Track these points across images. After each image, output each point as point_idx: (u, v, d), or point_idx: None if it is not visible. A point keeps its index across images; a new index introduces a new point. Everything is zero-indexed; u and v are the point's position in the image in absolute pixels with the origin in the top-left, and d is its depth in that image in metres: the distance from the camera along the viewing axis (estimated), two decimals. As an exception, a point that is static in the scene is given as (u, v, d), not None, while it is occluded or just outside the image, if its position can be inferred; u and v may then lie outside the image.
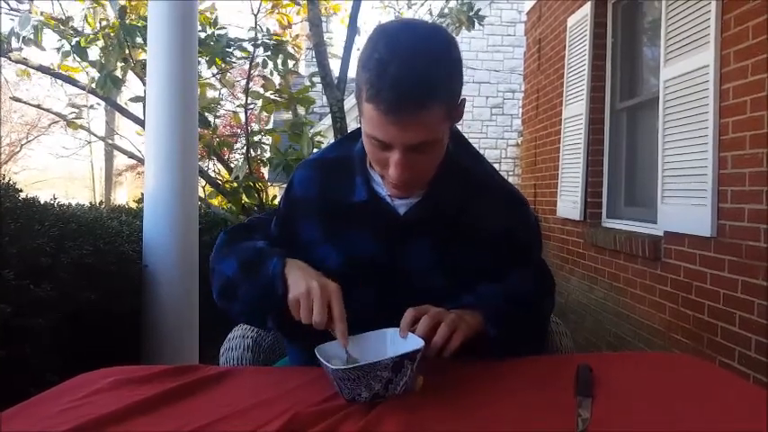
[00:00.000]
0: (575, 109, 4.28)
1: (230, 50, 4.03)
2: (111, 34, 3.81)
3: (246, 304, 1.10)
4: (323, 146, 4.14)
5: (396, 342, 0.98)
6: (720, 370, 1.15)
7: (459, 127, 1.21)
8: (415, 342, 0.94)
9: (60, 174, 18.87)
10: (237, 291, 1.10)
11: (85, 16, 4.06)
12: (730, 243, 2.51)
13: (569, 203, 4.33)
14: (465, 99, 1.06)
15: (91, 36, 3.91)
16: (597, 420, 0.82)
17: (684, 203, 2.83)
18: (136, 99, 4.05)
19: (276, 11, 4.59)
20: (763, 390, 0.93)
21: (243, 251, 1.13)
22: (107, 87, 3.92)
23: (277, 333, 1.28)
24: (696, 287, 2.76)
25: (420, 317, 0.99)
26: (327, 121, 6.26)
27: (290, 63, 4.15)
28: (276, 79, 4.28)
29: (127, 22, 3.75)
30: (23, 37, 3.88)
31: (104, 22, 4.01)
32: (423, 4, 5.47)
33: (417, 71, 0.94)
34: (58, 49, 3.89)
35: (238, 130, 4.88)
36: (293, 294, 1.00)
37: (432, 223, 1.11)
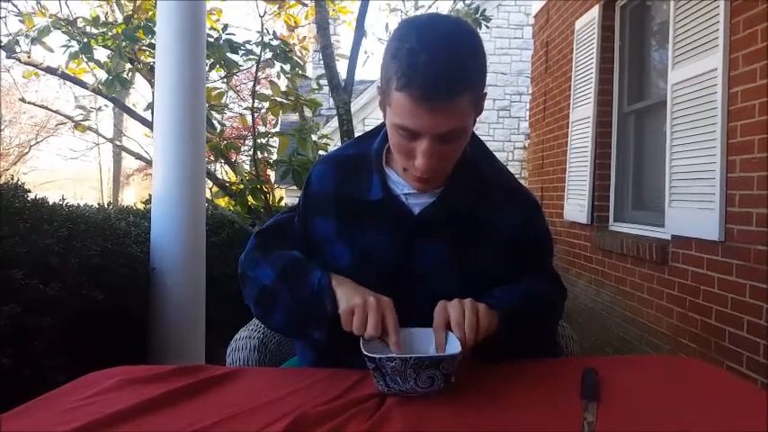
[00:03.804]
0: (582, 112, 4.27)
1: (237, 57, 4.04)
2: (119, 34, 3.83)
3: (290, 316, 1.09)
4: (330, 149, 4.15)
5: (427, 340, 1.00)
6: (726, 374, 1.15)
7: None
8: (452, 341, 0.96)
9: (68, 175, 18.97)
10: (277, 301, 1.10)
11: (92, 17, 4.07)
12: (738, 247, 2.50)
13: (576, 207, 4.31)
14: (486, 93, 1.07)
15: (99, 36, 3.92)
16: (603, 424, 0.82)
17: (692, 207, 2.82)
18: (149, 107, 4.07)
19: (283, 12, 4.61)
20: (770, 394, 0.92)
21: (279, 260, 1.13)
22: (113, 87, 3.93)
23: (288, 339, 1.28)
24: (704, 291, 2.75)
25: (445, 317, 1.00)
26: (334, 123, 6.27)
27: (297, 69, 4.16)
28: (283, 82, 4.29)
29: (134, 24, 3.77)
30: (32, 38, 3.91)
31: (112, 25, 4.03)
32: (430, 7, 5.47)
33: (450, 59, 0.96)
34: (66, 48, 3.90)
35: (245, 133, 4.89)
36: (348, 305, 0.99)
37: (446, 223, 1.11)
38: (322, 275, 1.05)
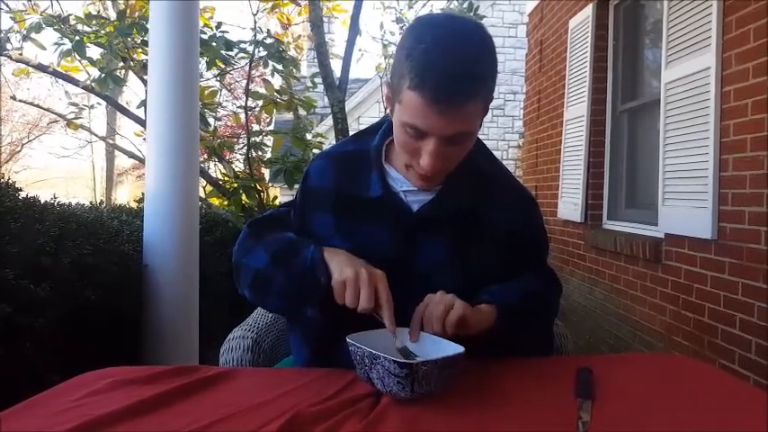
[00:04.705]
0: (576, 111, 4.28)
1: (231, 54, 4.02)
2: (111, 32, 3.81)
3: (284, 296, 1.09)
4: (324, 147, 4.14)
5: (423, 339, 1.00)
6: (720, 372, 1.15)
7: None
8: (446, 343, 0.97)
9: (61, 173, 18.85)
10: (272, 282, 1.09)
11: (85, 15, 4.05)
12: (731, 245, 2.51)
13: (570, 205, 4.32)
14: (493, 96, 1.07)
15: (92, 34, 3.90)
16: (597, 422, 0.82)
17: (685, 206, 2.83)
18: (142, 105, 4.04)
19: (276, 10, 4.59)
20: (763, 392, 0.93)
21: (272, 243, 1.13)
22: (106, 85, 3.91)
23: (293, 328, 1.27)
24: (696, 289, 2.76)
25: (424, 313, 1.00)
26: (329, 121, 6.26)
27: (292, 68, 4.15)
28: (277, 80, 4.28)
29: (126, 23, 3.74)
30: (23, 35, 3.88)
31: (105, 22, 4.01)
32: (424, 5, 5.48)
33: (464, 64, 0.96)
34: (58, 44, 3.87)
35: (239, 131, 4.88)
36: (340, 277, 0.99)
37: (445, 221, 1.12)
38: (314, 249, 1.05)
